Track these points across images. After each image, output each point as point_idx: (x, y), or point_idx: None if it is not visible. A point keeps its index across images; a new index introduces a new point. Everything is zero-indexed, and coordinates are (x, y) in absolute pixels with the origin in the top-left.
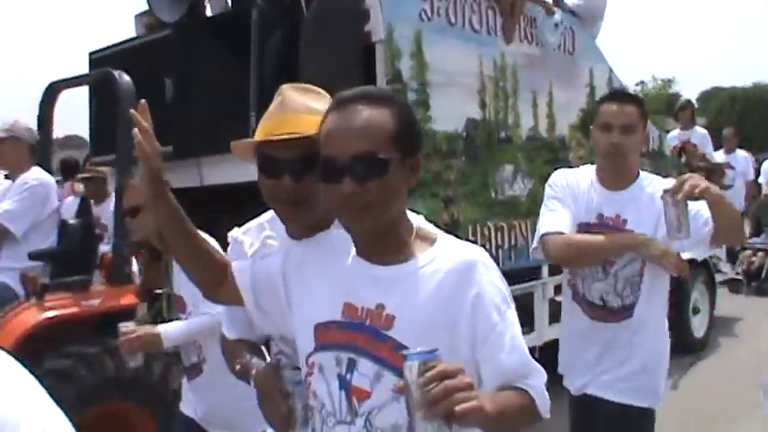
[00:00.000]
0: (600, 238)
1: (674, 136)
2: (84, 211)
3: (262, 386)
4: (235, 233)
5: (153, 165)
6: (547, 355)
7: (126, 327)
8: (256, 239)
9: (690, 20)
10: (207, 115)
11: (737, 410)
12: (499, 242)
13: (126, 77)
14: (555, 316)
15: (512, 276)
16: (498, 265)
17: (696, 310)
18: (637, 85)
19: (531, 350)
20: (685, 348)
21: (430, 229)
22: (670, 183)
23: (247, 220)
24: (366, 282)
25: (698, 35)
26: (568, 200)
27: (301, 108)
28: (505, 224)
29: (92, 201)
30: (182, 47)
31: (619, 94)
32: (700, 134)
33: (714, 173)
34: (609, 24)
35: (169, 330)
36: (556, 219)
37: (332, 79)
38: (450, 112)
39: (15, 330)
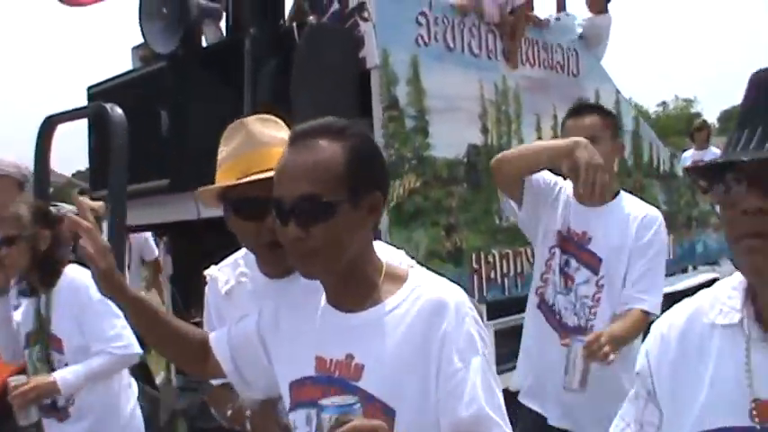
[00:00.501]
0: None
1: (689, 156)
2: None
3: (259, 424)
4: (210, 271)
5: (101, 265)
6: None
7: (17, 380)
8: (231, 277)
9: (711, 39)
10: (202, 146)
11: None
12: (504, 270)
13: (118, 110)
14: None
15: (519, 304)
16: (504, 293)
17: None
18: (658, 105)
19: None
20: None
21: (401, 266)
22: (646, 209)
23: None
24: (334, 331)
25: (719, 54)
26: (552, 194)
27: (273, 141)
28: (511, 251)
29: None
30: (176, 78)
31: (579, 108)
32: (713, 154)
33: None
34: (629, 46)
35: (66, 377)
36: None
37: (326, 107)
38: (450, 139)
39: None
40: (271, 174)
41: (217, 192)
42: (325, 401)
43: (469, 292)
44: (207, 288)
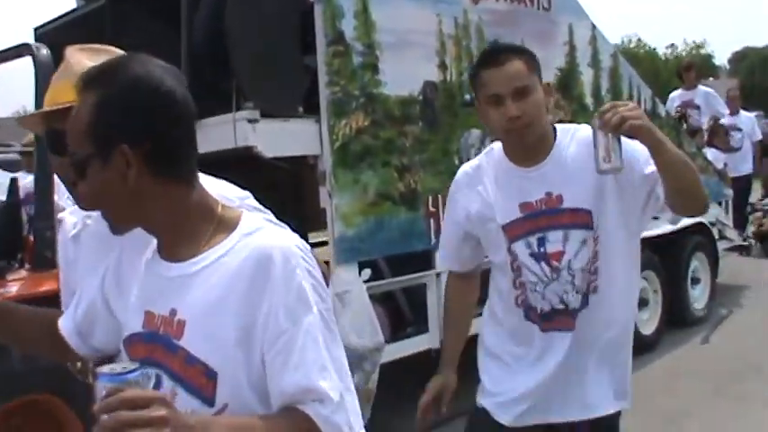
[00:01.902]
0: None
1: (676, 96)
2: (12, 191)
3: None
4: (62, 214)
5: None
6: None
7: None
8: (80, 220)
9: None
10: None
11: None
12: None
13: (44, 50)
14: None
15: None
16: None
17: (695, 281)
18: (667, 48)
19: (427, 353)
20: (685, 322)
21: (234, 211)
22: (583, 130)
23: None
24: (160, 283)
25: None
26: (464, 215)
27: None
28: None
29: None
30: (115, 18)
31: (495, 52)
32: (703, 93)
33: (716, 134)
34: None
35: None
36: (445, 251)
37: (265, 46)
38: (403, 75)
39: None
40: (68, 105)
41: (37, 120)
42: (103, 368)
43: (425, 236)
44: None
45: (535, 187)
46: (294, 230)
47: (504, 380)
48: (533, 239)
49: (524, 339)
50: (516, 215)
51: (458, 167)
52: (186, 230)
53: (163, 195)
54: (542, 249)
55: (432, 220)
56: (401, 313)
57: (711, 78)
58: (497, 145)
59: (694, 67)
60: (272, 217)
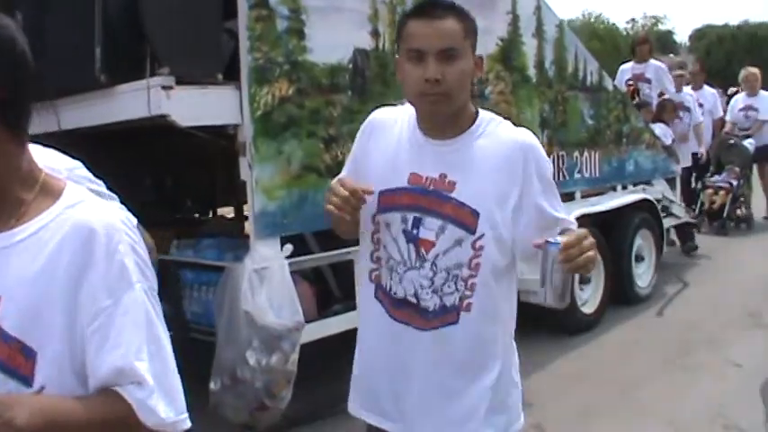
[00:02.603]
0: None
1: (627, 69)
2: None
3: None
4: None
5: None
6: None
7: None
8: None
9: None
10: (58, 54)
11: (724, 334)
12: None
13: None
14: None
15: None
16: None
17: (640, 258)
18: (627, 22)
19: (355, 332)
20: (629, 300)
21: (58, 181)
22: (519, 133)
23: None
24: None
25: None
26: (361, 159)
27: None
28: None
29: None
30: None
31: (432, 4)
32: (654, 67)
33: (664, 109)
34: None
35: None
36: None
37: (182, 8)
38: (331, 42)
39: None
40: None
41: None
42: None
43: None
44: None
45: (432, 163)
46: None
47: (361, 365)
48: (410, 216)
49: (374, 323)
50: (402, 183)
51: None
52: (8, 197)
53: (7, 155)
54: (416, 231)
55: None
56: (329, 290)
57: (671, 55)
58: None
59: (650, 41)
60: (103, 189)
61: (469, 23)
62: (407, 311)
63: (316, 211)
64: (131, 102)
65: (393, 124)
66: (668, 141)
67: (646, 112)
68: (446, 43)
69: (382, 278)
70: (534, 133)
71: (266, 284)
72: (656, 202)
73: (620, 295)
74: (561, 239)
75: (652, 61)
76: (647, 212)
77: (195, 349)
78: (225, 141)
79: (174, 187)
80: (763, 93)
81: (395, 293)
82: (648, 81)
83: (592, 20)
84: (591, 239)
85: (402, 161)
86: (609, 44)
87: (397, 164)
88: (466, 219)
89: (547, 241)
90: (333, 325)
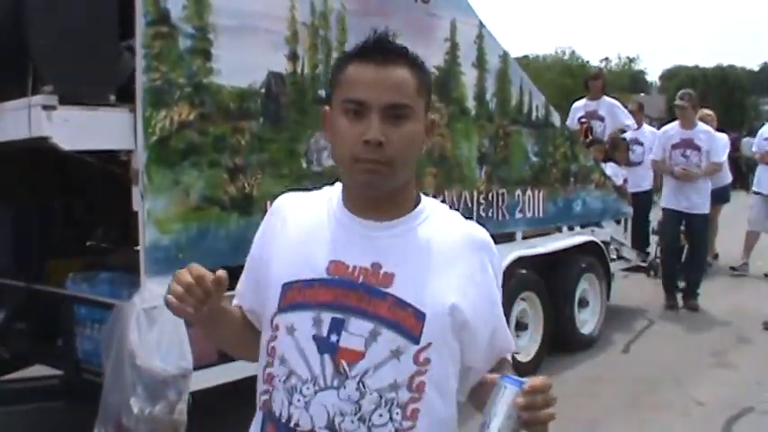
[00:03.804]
0: None
1: (580, 106)
2: None
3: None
4: None
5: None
6: None
7: None
8: None
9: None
10: None
11: (688, 372)
12: None
13: None
14: None
15: None
16: None
17: (583, 303)
18: (601, 61)
19: None
20: (572, 347)
21: None
22: (470, 226)
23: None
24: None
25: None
26: (259, 256)
27: None
28: None
29: None
30: None
31: (380, 46)
32: (607, 104)
33: (616, 148)
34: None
35: None
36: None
37: (72, 22)
38: (242, 64)
39: None
40: None
41: None
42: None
43: None
44: None
45: (361, 250)
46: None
47: None
48: (326, 317)
49: None
50: (318, 274)
51: (305, 171)
52: None
53: None
54: (335, 337)
55: None
56: None
57: (642, 94)
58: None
59: (603, 77)
60: None
61: (425, 77)
62: None
63: (217, 247)
64: (12, 122)
65: (308, 205)
66: (620, 181)
67: (596, 150)
68: (396, 98)
69: (274, 404)
70: (472, 169)
71: (156, 326)
72: (602, 245)
73: (563, 341)
74: (524, 379)
75: (606, 98)
76: (594, 256)
77: (88, 391)
78: (117, 168)
79: (85, 214)
80: (718, 134)
81: (296, 425)
82: (602, 118)
83: (565, 56)
84: (551, 393)
85: (319, 246)
86: (581, 81)
87: (312, 249)
88: (407, 321)
89: (504, 377)
90: (236, 370)
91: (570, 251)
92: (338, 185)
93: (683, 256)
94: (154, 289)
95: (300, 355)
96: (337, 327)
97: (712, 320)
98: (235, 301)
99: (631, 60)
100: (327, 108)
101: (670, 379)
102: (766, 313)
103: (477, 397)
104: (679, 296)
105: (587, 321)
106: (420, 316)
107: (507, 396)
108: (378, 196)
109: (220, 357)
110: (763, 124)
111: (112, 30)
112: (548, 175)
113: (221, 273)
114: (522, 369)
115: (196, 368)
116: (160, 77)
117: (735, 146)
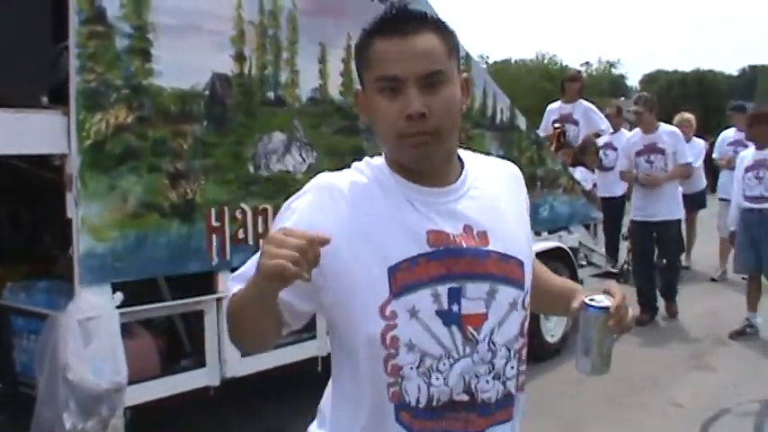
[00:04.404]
0: None
1: (555, 108)
2: None
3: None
4: None
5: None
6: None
7: None
8: None
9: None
10: None
11: (667, 374)
12: (261, 229)
13: None
14: None
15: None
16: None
17: None
18: (581, 65)
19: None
20: (537, 356)
21: None
22: (507, 162)
23: None
24: None
25: (648, 19)
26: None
27: None
28: (271, 206)
29: None
30: None
31: (401, 18)
32: (583, 108)
33: (586, 152)
34: (558, 5)
35: None
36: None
37: (4, 26)
38: (184, 65)
39: None
40: None
41: None
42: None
43: (205, 254)
44: None
45: (447, 216)
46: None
47: None
48: (443, 289)
49: None
50: (422, 248)
51: (251, 176)
52: None
53: None
54: (456, 307)
55: (215, 237)
56: (180, 343)
57: (623, 98)
58: (378, 160)
59: (580, 79)
60: None
61: (452, 37)
62: (453, 417)
63: (157, 255)
64: None
65: (357, 186)
66: (589, 186)
67: (565, 154)
68: (429, 66)
69: (408, 394)
70: None
71: (91, 338)
72: (570, 251)
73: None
74: (605, 301)
75: (582, 101)
76: (561, 262)
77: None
78: (51, 174)
79: (31, 219)
80: (694, 140)
81: (437, 401)
82: (576, 122)
83: (545, 61)
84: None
85: (407, 220)
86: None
87: (402, 225)
88: (514, 272)
89: (586, 304)
90: (180, 383)
91: (537, 258)
92: (372, 161)
93: (657, 262)
94: (89, 299)
95: (430, 334)
96: (456, 296)
97: (690, 324)
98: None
99: (612, 65)
100: (359, 89)
101: (649, 380)
102: (743, 316)
103: (542, 301)
104: (661, 306)
105: (553, 330)
106: (520, 264)
107: (599, 323)
108: (433, 166)
109: (163, 370)
110: (727, 127)
111: (44, 29)
112: None
113: (325, 236)
114: None
115: (134, 382)
116: (95, 78)
117: (712, 150)
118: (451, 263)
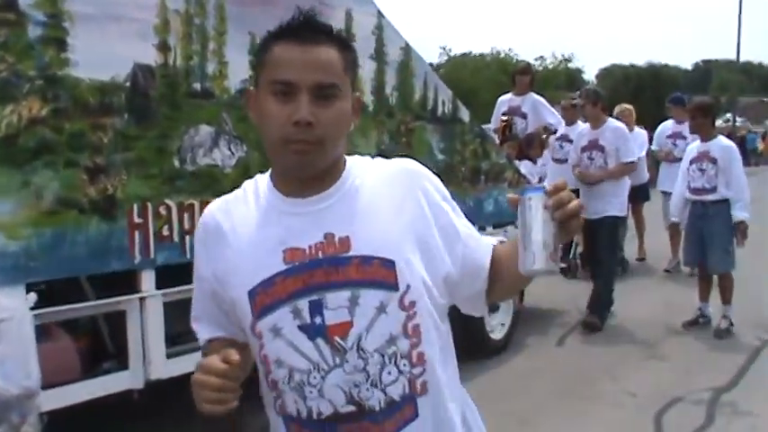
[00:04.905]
0: None
1: (505, 100)
2: None
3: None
4: None
5: None
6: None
7: None
8: None
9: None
10: None
11: (620, 364)
12: (187, 225)
13: None
14: (175, 341)
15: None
16: (183, 254)
17: (494, 308)
18: (536, 59)
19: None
20: (481, 353)
21: None
22: (401, 161)
23: None
24: None
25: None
26: (211, 273)
27: None
28: (197, 201)
29: None
30: None
31: (305, 25)
32: (532, 101)
33: (532, 143)
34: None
35: None
36: (196, 313)
37: None
38: (104, 55)
39: None
40: None
41: None
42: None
43: (127, 252)
44: None
45: (309, 227)
46: None
47: None
48: (303, 303)
49: None
50: (277, 267)
51: (177, 171)
52: None
53: None
54: (319, 319)
55: (138, 234)
56: (102, 344)
57: (579, 92)
58: (265, 177)
59: (530, 72)
60: None
61: (351, 55)
62: (350, 427)
63: (75, 254)
64: None
65: (237, 208)
66: (535, 180)
67: (510, 147)
68: (324, 77)
69: (288, 407)
70: None
71: (3, 340)
72: None
73: (472, 347)
74: (542, 184)
75: (532, 94)
76: None
77: None
78: None
79: None
80: (636, 130)
81: (319, 415)
82: (524, 115)
83: (501, 56)
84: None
85: (268, 241)
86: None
87: (262, 247)
88: (378, 274)
89: (524, 189)
90: (101, 386)
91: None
92: (259, 177)
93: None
94: (1, 300)
95: (294, 350)
96: (318, 308)
97: (643, 314)
98: (206, 336)
99: (567, 59)
100: (251, 88)
101: (603, 371)
102: (695, 305)
103: (503, 271)
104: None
105: (497, 326)
106: (388, 264)
107: (535, 204)
108: (311, 175)
109: (83, 373)
110: (665, 119)
111: None
112: (456, 173)
113: (231, 354)
114: None
115: (52, 385)
116: (6, 69)
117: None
118: (307, 276)
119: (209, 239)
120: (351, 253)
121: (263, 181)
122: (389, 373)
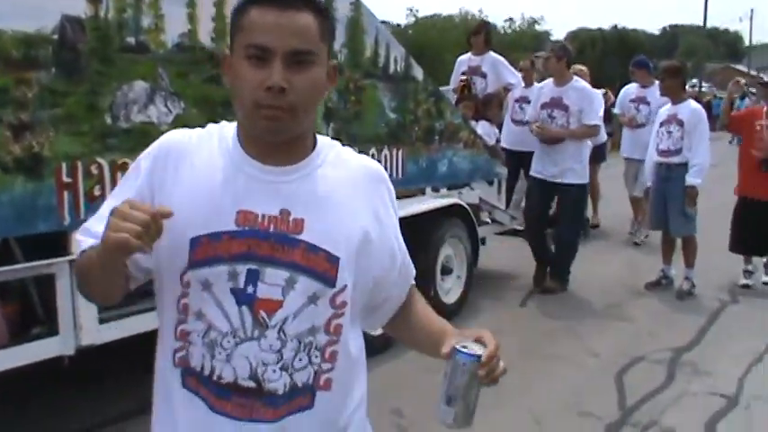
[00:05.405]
0: None
1: (464, 60)
2: None
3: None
4: None
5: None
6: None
7: None
8: None
9: None
10: None
11: (584, 325)
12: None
13: None
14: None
15: None
16: None
17: (446, 270)
18: (505, 21)
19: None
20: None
21: None
22: (371, 161)
23: None
24: None
25: None
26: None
27: None
28: (131, 160)
29: None
30: None
31: None
32: (491, 60)
33: (490, 103)
34: None
35: None
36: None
37: None
38: (27, 6)
39: None
40: None
41: None
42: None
43: (56, 213)
44: None
45: (268, 197)
46: None
47: None
48: (242, 269)
49: (186, 424)
50: (228, 226)
51: (109, 128)
52: None
53: None
54: (251, 289)
55: (66, 194)
56: (31, 309)
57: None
58: (231, 128)
59: (483, 30)
60: None
61: (329, 22)
62: (242, 401)
63: None
64: None
65: (197, 149)
66: (492, 141)
67: (466, 107)
68: (300, 43)
69: (192, 360)
70: (317, 125)
71: None
72: (468, 208)
73: None
74: (477, 349)
75: (491, 53)
76: (460, 218)
77: None
78: None
79: None
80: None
81: (219, 378)
82: (484, 75)
83: (469, 18)
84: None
85: (223, 195)
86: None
87: (217, 199)
88: (321, 266)
89: (457, 350)
90: (30, 352)
91: (432, 214)
92: (227, 125)
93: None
94: None
95: (219, 308)
96: (253, 278)
97: (607, 275)
98: (93, 243)
99: (535, 21)
100: (227, 51)
101: (566, 331)
102: (658, 268)
103: (409, 333)
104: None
105: (451, 289)
106: (333, 259)
107: (468, 371)
108: (279, 142)
109: (12, 340)
110: (628, 82)
111: None
112: (408, 132)
113: (166, 209)
114: (374, 345)
115: None
116: None
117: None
118: (254, 243)
119: (163, 166)
120: (301, 237)
121: (229, 131)
122: (300, 359)
